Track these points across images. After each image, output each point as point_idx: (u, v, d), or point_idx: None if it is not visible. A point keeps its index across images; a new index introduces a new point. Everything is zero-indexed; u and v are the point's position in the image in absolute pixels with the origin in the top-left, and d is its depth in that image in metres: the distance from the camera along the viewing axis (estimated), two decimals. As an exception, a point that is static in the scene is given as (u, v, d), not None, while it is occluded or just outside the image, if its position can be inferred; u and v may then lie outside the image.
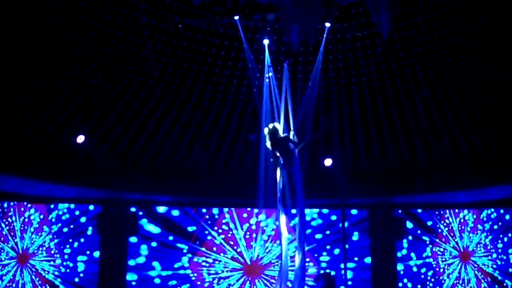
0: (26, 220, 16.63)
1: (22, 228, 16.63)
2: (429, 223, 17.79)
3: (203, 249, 17.34)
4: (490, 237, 17.87)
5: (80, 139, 13.89)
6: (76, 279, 16.76)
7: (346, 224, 16.03)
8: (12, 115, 13.39)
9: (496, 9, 11.99)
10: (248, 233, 17.57)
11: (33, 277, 16.61)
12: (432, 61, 13.24)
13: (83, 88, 13.42)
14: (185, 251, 17.29)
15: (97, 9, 11.73)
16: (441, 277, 17.59)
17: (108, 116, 14.21)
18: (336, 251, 17.16)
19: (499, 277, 17.78)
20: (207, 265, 17.42)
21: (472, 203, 17.29)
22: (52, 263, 16.73)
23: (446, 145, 15.01)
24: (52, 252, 16.81)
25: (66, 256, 16.81)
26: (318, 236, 17.47)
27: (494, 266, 17.77)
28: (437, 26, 12.40)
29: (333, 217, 17.45)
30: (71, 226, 16.99)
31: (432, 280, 17.51)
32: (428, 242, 17.66)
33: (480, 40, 12.62)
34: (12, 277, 16.42)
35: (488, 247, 17.87)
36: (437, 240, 17.69)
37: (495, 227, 17.78)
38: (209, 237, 17.44)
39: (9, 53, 12.22)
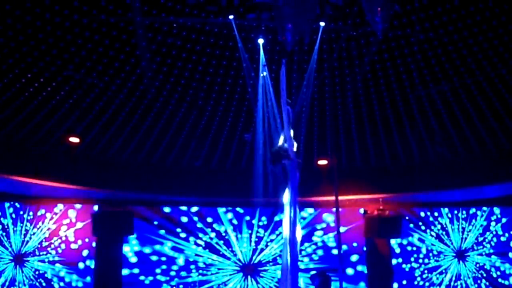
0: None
1: (21, 212, 16.13)
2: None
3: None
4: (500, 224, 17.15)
5: (74, 139, 13.95)
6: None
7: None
8: (7, 115, 13.37)
9: (491, 8, 11.98)
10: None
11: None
12: (426, 60, 13.25)
13: (77, 87, 13.40)
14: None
15: (91, 9, 11.70)
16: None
17: (103, 115, 14.21)
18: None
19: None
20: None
21: (467, 202, 17.32)
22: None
23: (440, 142, 15.04)
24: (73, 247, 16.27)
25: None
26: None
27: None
28: (431, 25, 12.40)
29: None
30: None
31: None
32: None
33: (475, 38, 12.63)
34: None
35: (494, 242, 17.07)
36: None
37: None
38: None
39: (4, 53, 12.18)
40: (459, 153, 15.47)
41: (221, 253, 16.98)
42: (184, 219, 17.06)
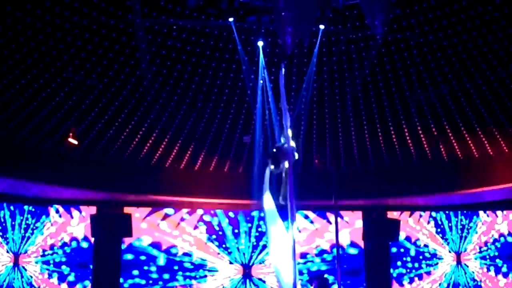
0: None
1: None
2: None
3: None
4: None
5: (73, 141, 13.94)
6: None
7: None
8: (7, 115, 13.38)
9: (491, 11, 12.00)
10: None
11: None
12: (426, 64, 13.27)
13: (77, 89, 13.42)
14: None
15: (91, 10, 11.71)
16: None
17: (103, 117, 14.22)
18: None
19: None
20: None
21: (467, 205, 17.30)
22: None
23: (438, 145, 15.06)
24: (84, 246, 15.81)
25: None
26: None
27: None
28: (431, 29, 12.42)
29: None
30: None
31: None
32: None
33: (474, 42, 12.65)
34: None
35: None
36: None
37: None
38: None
39: (4, 54, 12.20)
40: (458, 156, 15.47)
41: (211, 250, 16.15)
42: (170, 210, 16.11)
